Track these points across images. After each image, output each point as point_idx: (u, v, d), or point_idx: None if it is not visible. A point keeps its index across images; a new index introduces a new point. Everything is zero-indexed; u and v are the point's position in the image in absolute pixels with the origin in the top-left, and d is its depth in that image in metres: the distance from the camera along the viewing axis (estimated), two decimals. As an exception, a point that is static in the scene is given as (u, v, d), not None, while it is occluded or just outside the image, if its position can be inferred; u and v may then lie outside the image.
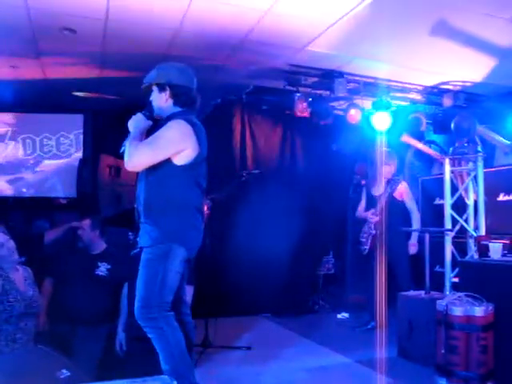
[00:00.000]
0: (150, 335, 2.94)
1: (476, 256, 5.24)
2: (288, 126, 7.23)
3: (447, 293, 5.24)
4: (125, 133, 3.13)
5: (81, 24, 4.63)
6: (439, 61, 5.46)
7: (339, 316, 6.94)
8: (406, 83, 6.23)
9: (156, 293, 2.92)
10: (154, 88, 3.19)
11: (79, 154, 7.86)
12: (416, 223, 6.01)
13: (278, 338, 5.87)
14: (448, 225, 5.63)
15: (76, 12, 4.38)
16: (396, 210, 5.96)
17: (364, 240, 5.99)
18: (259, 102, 6.38)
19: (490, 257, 4.40)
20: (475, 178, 5.69)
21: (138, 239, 3.14)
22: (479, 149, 5.68)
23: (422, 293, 5.05)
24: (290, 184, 6.98)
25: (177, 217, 3.02)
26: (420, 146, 6.63)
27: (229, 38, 4.96)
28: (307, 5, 4.25)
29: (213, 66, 5.67)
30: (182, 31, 4.77)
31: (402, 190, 5.99)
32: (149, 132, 3.17)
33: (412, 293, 5.17)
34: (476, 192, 5.71)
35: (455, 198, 5.72)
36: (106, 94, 6.77)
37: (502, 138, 6.24)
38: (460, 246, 5.81)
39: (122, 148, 3.05)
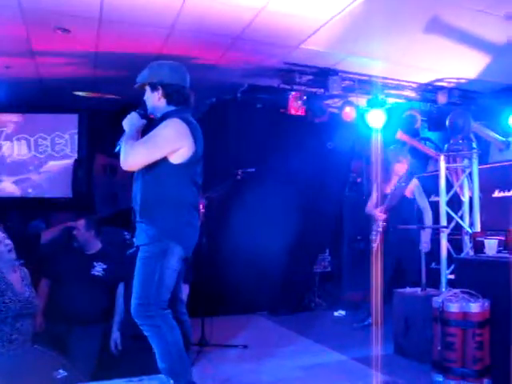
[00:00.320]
0: (146, 333, 2.93)
1: (471, 252, 5.25)
2: (283, 124, 7.22)
3: (443, 289, 5.24)
4: (120, 132, 3.12)
5: (74, 23, 4.63)
6: (433, 58, 5.48)
7: (335, 314, 6.96)
8: (400, 81, 6.25)
9: (153, 291, 2.91)
10: (147, 87, 3.17)
11: (74, 154, 7.85)
12: (428, 221, 6.00)
13: (275, 336, 5.88)
14: (443, 222, 5.64)
15: (70, 11, 4.37)
16: (408, 207, 5.96)
17: (374, 238, 5.98)
18: (254, 101, 6.37)
19: (485, 253, 4.41)
20: (470, 174, 5.69)
21: (134, 239, 3.14)
22: (474, 146, 5.68)
23: (417, 290, 5.06)
24: (285, 182, 6.97)
25: (173, 215, 3.01)
26: (415, 143, 6.63)
27: (223, 37, 4.96)
28: (301, 3, 4.25)
29: (207, 65, 5.66)
30: (175, 30, 4.76)
31: (412, 188, 5.98)
32: (144, 131, 3.16)
33: (408, 290, 5.19)
34: (471, 189, 5.71)
35: (450, 194, 5.72)
36: (107, 94, 6.76)
37: (496, 135, 6.26)
38: (455, 243, 5.81)
39: (117, 147, 3.05)
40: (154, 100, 3.16)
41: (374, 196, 6.19)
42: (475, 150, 5.63)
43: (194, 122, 3.14)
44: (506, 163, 6.15)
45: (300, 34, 4.90)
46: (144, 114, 3.18)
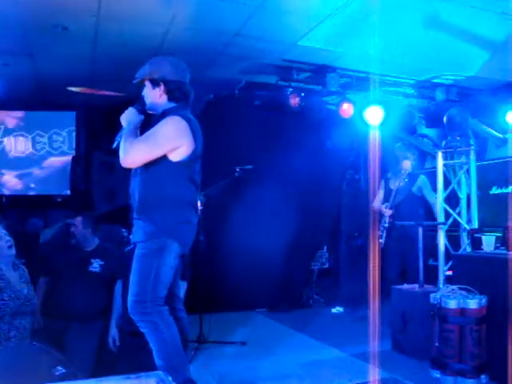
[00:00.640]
0: (143, 330, 2.93)
1: (469, 249, 5.27)
2: (280, 121, 7.20)
3: (441, 286, 5.25)
4: (118, 129, 3.10)
5: (73, 20, 4.62)
6: (431, 55, 5.47)
7: (333, 310, 6.97)
8: (398, 77, 6.24)
9: (150, 287, 2.91)
10: (147, 83, 3.14)
11: (72, 151, 7.84)
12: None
13: (273, 333, 5.88)
14: (441, 218, 5.65)
15: (68, 8, 4.36)
16: (416, 203, 5.97)
17: (381, 233, 5.97)
18: (251, 98, 6.36)
19: (483, 250, 4.43)
20: (468, 171, 5.70)
21: (131, 236, 3.13)
22: (471, 142, 5.69)
23: (415, 286, 5.07)
24: (283, 179, 6.97)
25: (171, 212, 3.00)
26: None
27: (221, 34, 4.95)
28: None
29: (205, 62, 5.65)
30: (173, 26, 4.76)
31: (420, 184, 5.98)
32: (142, 127, 3.15)
33: (406, 286, 5.19)
34: (469, 185, 5.72)
35: (448, 191, 5.73)
36: (101, 90, 6.75)
37: (494, 132, 6.27)
38: (453, 240, 5.82)
39: (115, 143, 3.03)
40: (155, 96, 3.13)
41: (381, 192, 6.18)
42: (473, 147, 5.64)
43: (194, 119, 3.12)
44: (503, 160, 6.16)
45: (298, 30, 4.89)
46: (141, 110, 3.15)
